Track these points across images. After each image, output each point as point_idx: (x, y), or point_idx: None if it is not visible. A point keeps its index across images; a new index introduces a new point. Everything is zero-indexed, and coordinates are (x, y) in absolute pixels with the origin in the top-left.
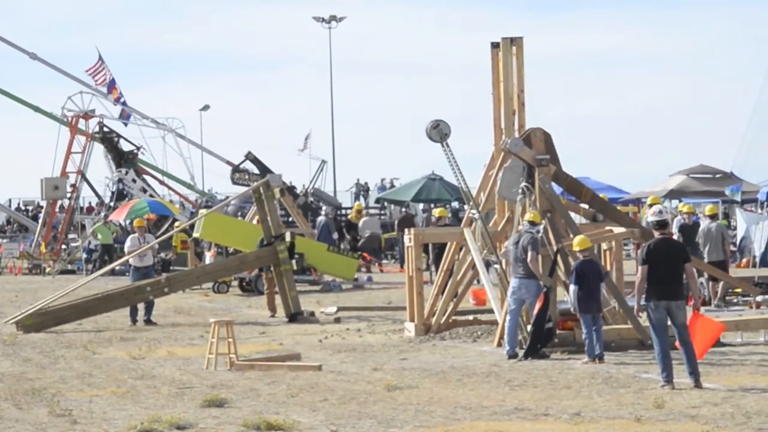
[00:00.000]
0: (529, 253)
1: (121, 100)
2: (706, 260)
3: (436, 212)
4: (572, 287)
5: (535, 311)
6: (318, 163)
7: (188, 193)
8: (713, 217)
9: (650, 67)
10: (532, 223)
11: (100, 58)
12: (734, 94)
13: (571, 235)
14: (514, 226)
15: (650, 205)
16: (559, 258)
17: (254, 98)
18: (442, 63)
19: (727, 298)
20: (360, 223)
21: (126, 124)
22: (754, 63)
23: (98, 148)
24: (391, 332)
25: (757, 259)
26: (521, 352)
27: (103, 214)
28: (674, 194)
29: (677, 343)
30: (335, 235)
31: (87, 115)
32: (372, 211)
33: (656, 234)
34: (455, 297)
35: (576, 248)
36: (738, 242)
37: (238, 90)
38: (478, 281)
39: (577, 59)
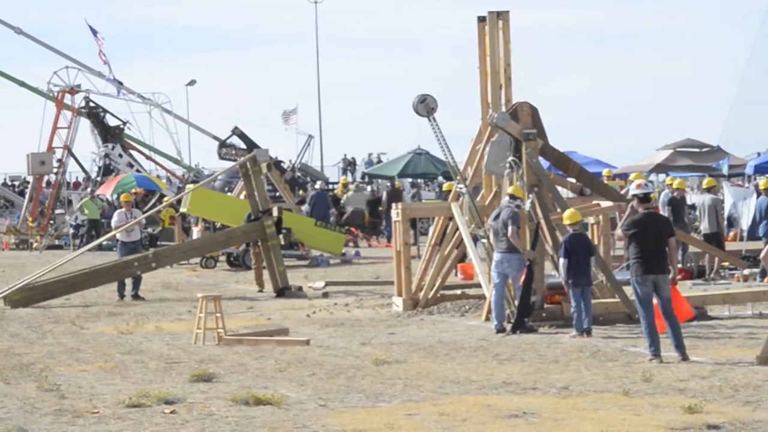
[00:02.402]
0: (510, 228)
1: (111, 73)
2: (702, 232)
3: (446, 186)
4: (562, 260)
5: (520, 284)
6: (305, 138)
7: (175, 168)
8: (710, 189)
9: (637, 41)
10: (513, 197)
11: (92, 29)
12: (720, 68)
13: (559, 210)
14: (501, 200)
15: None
16: (546, 232)
17: (241, 73)
18: (429, 38)
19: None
20: (344, 198)
21: (120, 91)
22: (739, 37)
23: (84, 123)
24: (379, 307)
25: (745, 233)
26: (509, 326)
27: (89, 189)
28: (661, 168)
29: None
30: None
31: (73, 90)
32: (360, 185)
33: (640, 209)
34: (443, 271)
35: (566, 222)
36: (726, 216)
37: (224, 65)
38: (466, 255)
39: (564, 34)
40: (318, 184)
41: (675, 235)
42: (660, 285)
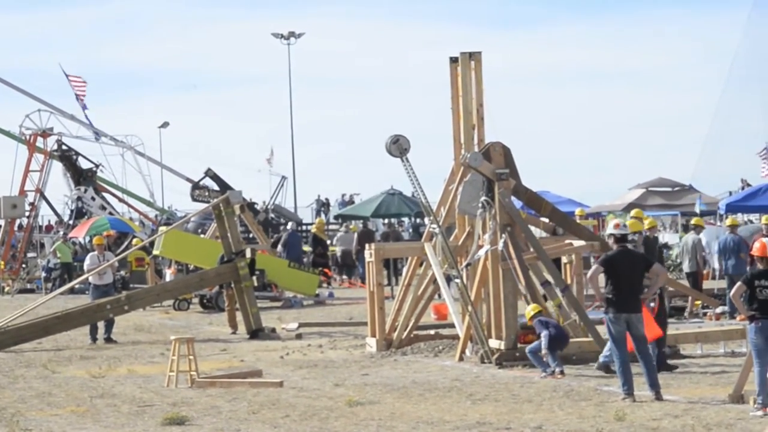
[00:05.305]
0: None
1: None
2: (683, 271)
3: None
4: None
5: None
6: (279, 179)
7: (148, 211)
8: (696, 228)
9: (609, 81)
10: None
11: (66, 75)
12: (692, 108)
13: (531, 249)
14: (474, 240)
15: (633, 218)
16: (519, 272)
17: (214, 115)
18: (401, 78)
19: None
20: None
21: (98, 139)
22: (711, 78)
23: (57, 167)
24: (353, 348)
25: (716, 272)
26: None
27: (62, 232)
28: (633, 207)
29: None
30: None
31: (45, 134)
32: (332, 226)
33: (614, 246)
34: (416, 312)
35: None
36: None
37: (197, 107)
38: (439, 296)
39: (536, 74)
40: (289, 225)
41: (653, 265)
42: (633, 324)
